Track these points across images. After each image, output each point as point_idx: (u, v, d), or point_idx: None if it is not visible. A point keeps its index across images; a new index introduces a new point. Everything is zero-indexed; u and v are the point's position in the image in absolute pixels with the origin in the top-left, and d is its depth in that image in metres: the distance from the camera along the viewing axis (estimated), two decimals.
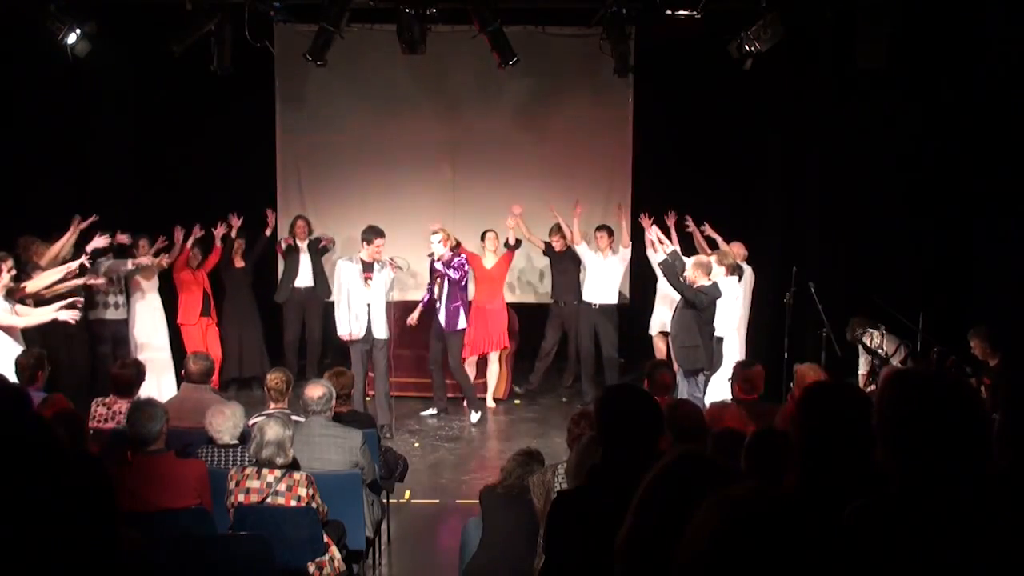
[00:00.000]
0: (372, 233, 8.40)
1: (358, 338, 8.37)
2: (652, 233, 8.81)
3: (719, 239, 8.95)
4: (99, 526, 2.05)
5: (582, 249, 9.46)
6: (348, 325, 8.40)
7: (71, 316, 6.86)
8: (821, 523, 1.41)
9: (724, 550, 1.41)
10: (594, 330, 9.48)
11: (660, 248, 8.62)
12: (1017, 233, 7.95)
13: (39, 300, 7.17)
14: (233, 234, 9.48)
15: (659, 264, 8.32)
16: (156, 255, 8.73)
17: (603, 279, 9.42)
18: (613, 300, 9.48)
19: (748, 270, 8.92)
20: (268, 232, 9.74)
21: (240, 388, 9.64)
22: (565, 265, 9.60)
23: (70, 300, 7.08)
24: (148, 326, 8.95)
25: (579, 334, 9.58)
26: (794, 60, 9.08)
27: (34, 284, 7.10)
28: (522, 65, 8.74)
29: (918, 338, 8.16)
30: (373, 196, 10.37)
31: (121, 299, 8.79)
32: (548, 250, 9.65)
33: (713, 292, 7.88)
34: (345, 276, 8.40)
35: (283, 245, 9.80)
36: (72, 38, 8.07)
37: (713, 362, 8.05)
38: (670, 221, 9.02)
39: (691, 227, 9.09)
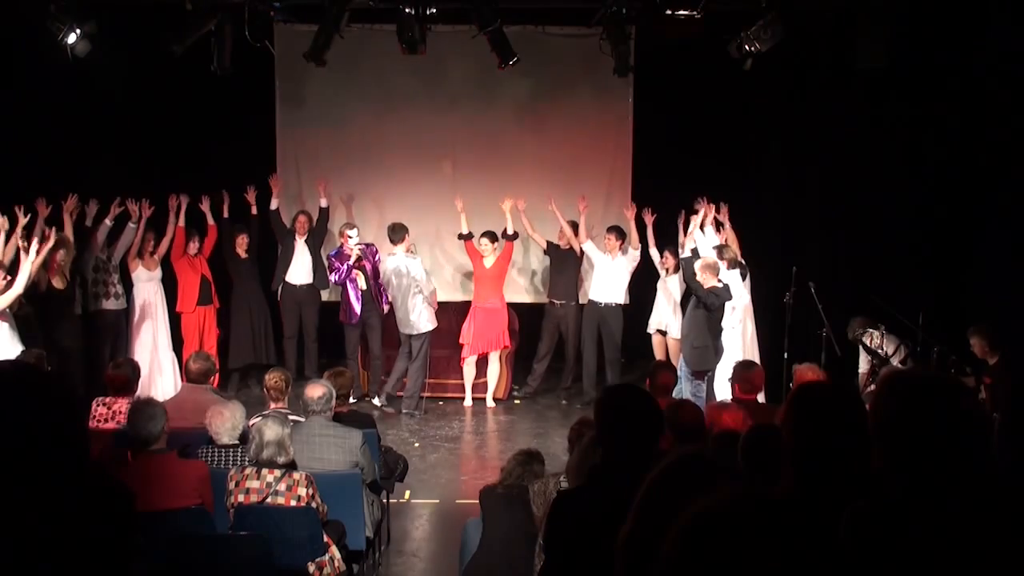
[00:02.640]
0: (404, 230, 9.04)
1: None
2: (698, 220, 8.55)
3: (724, 230, 8.91)
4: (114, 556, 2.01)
5: (590, 248, 9.45)
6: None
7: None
8: (803, 527, 1.39)
9: (689, 556, 1.40)
10: (597, 330, 9.47)
11: (699, 233, 8.45)
12: (1018, 232, 7.95)
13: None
14: (225, 213, 9.49)
15: (681, 259, 8.31)
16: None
17: (610, 279, 9.40)
18: (619, 300, 9.47)
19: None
20: (254, 212, 9.68)
21: (240, 387, 9.65)
22: (565, 265, 9.58)
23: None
24: (148, 317, 8.96)
25: (581, 334, 9.56)
26: (794, 60, 9.07)
27: (16, 286, 7.01)
28: (522, 65, 8.73)
29: (918, 338, 8.16)
30: (374, 195, 10.39)
31: (120, 289, 8.81)
32: (550, 249, 9.64)
33: (724, 294, 7.93)
34: (418, 270, 8.96)
35: (274, 205, 9.75)
36: (72, 38, 8.06)
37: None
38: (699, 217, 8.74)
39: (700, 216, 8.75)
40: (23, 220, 7.40)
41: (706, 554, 1.37)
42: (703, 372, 8.00)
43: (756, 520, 1.38)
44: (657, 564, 1.45)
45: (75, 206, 8.35)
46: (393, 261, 9.06)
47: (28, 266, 6.92)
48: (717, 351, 8.03)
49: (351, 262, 9.19)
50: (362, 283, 9.30)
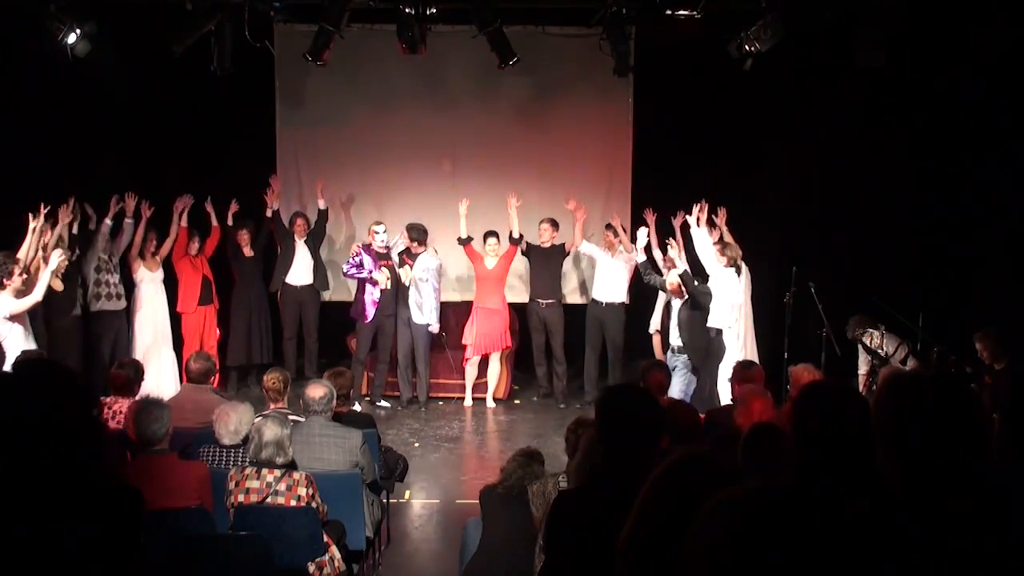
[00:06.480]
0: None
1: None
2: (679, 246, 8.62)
3: (726, 231, 8.92)
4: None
5: (588, 248, 9.43)
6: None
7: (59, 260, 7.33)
8: (822, 520, 1.41)
9: (723, 551, 1.40)
10: (599, 329, 9.46)
11: (695, 232, 8.54)
12: (1018, 232, 7.95)
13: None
14: (230, 221, 9.49)
15: (679, 276, 8.33)
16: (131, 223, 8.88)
17: (611, 278, 9.40)
18: (620, 299, 9.46)
19: (744, 269, 8.91)
20: (269, 212, 9.69)
21: (239, 387, 9.65)
22: (548, 264, 9.51)
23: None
24: (148, 317, 8.95)
25: (586, 333, 9.53)
26: (794, 60, 9.07)
27: (36, 293, 7.07)
28: (522, 65, 8.73)
29: (918, 338, 8.15)
30: (373, 194, 10.39)
31: (121, 289, 8.80)
32: (530, 249, 9.57)
33: (709, 291, 8.14)
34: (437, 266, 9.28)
35: (275, 205, 9.71)
36: (72, 38, 8.06)
37: (715, 354, 8.13)
38: (677, 222, 8.85)
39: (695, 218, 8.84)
40: (39, 223, 7.45)
41: (732, 543, 1.38)
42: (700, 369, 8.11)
43: (781, 511, 1.39)
44: (680, 557, 1.45)
45: (75, 211, 8.32)
46: (424, 259, 9.17)
47: (47, 274, 7.08)
48: (715, 345, 8.09)
49: (375, 267, 9.09)
50: (383, 283, 9.17)
